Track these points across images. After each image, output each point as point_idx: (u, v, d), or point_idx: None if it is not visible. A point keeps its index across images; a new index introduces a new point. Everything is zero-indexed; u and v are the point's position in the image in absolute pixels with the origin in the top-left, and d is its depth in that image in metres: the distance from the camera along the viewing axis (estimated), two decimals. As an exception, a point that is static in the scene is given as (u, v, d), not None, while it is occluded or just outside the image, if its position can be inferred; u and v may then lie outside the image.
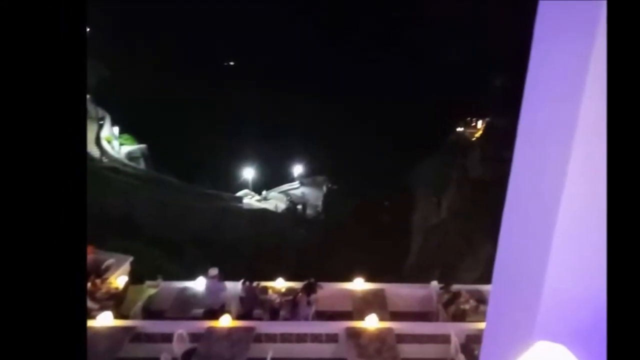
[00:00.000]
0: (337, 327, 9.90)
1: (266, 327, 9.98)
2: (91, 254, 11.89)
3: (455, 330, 9.62)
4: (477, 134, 53.65)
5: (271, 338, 9.79)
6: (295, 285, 11.53)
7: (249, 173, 55.50)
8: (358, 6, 79.90)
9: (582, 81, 1.72)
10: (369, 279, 11.90)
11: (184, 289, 11.56)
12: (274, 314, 10.73)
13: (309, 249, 39.60)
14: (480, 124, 55.75)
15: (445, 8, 65.87)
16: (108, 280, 11.40)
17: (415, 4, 72.57)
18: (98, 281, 11.19)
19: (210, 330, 9.60)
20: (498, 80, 53.19)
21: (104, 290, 11.04)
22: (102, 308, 10.22)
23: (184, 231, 37.46)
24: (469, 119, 57.59)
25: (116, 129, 49.63)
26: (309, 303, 10.74)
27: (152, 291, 11.32)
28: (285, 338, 9.84)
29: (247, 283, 11.20)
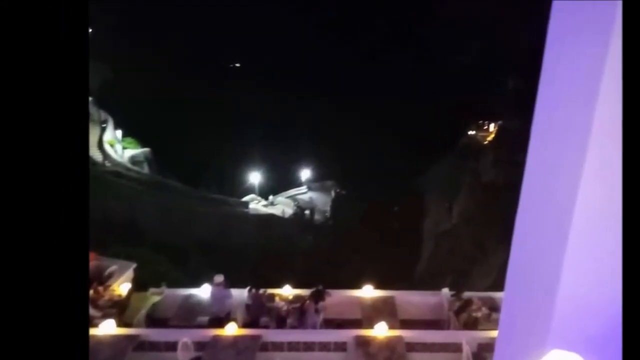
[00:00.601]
0: (346, 335, 9.82)
1: (273, 335, 9.91)
2: (93, 261, 11.87)
3: (467, 339, 9.51)
4: (490, 137, 53.22)
5: (278, 347, 9.72)
6: (303, 292, 11.48)
7: (255, 177, 54.82)
8: (367, 5, 79.24)
9: (597, 82, 1.69)
10: (379, 286, 11.83)
11: (189, 297, 11.53)
12: (281, 322, 10.68)
13: (316, 255, 39.52)
14: (492, 126, 55.32)
15: (456, 8, 65.53)
16: (111, 288, 11.36)
17: (426, 3, 72.13)
18: (100, 288, 11.14)
19: (216, 339, 9.54)
20: (511, 82, 52.62)
21: (106, 297, 11.00)
22: (105, 316, 10.17)
23: (189, 237, 37.50)
24: (481, 121, 57.11)
25: (119, 132, 49.62)
26: (316, 311, 10.68)
27: (156, 298, 11.26)
28: (293, 347, 9.76)
29: (254, 290, 11.16)
